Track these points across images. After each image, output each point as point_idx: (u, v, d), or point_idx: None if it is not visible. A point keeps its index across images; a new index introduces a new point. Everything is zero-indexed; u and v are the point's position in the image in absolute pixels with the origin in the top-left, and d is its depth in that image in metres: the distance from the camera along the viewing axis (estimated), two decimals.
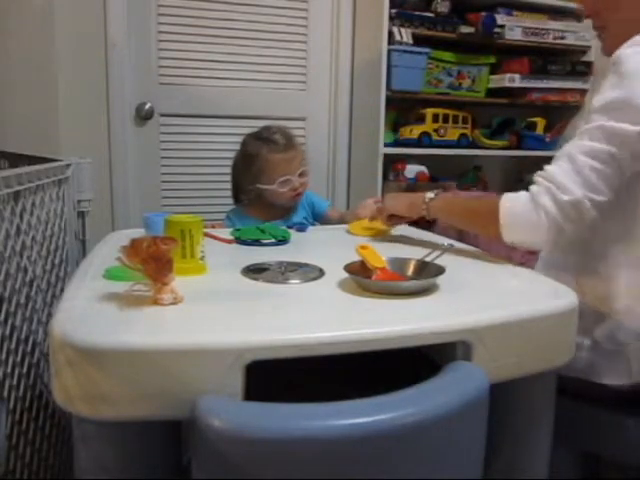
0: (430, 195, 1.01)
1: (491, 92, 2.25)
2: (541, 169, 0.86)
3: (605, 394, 0.87)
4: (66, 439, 1.15)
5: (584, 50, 2.23)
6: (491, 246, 1.03)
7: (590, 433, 0.93)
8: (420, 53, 2.05)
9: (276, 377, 0.66)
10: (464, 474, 0.62)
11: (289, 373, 0.68)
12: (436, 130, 2.14)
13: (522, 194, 0.86)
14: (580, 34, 2.18)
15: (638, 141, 0.80)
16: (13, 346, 0.92)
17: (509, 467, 0.76)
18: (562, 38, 2.16)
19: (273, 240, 1.05)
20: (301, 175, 1.41)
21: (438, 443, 0.59)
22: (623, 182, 0.83)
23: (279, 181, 1.38)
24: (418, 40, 2.07)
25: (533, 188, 0.85)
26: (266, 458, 0.53)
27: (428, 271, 0.79)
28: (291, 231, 1.14)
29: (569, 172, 0.82)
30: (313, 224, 1.46)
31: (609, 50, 0.91)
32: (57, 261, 1.20)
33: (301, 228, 1.22)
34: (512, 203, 0.86)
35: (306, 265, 0.87)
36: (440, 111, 2.15)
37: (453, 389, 0.60)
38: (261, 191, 1.42)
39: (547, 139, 2.21)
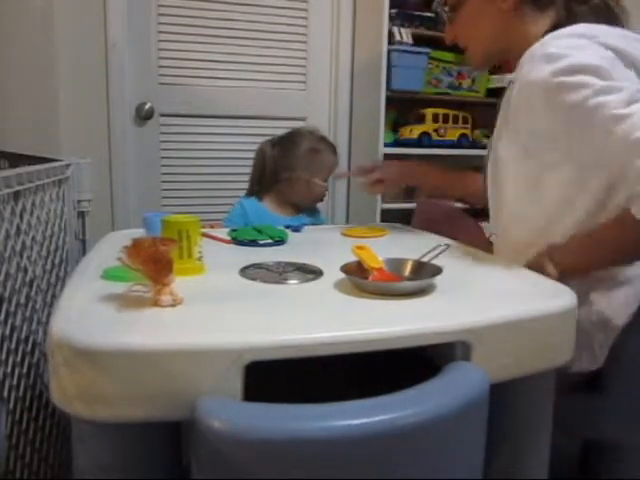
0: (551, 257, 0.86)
1: (491, 92, 2.25)
2: None
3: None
4: (66, 439, 1.15)
5: None
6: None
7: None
8: (420, 53, 2.06)
9: (276, 377, 0.66)
10: (464, 474, 0.62)
11: (289, 373, 0.68)
12: (436, 130, 2.15)
13: None
14: None
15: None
16: (13, 346, 0.92)
17: (509, 467, 0.76)
18: None
19: (270, 240, 1.05)
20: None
21: (438, 443, 0.59)
22: None
23: (331, 179, 1.56)
24: (418, 40, 2.07)
25: None
26: (266, 459, 0.53)
27: (425, 271, 0.79)
28: (288, 231, 1.14)
29: None
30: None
31: (476, 64, 1.05)
32: (57, 261, 1.20)
33: (297, 228, 1.21)
34: None
35: (304, 265, 0.87)
36: (440, 111, 2.16)
37: (453, 389, 0.60)
38: (294, 182, 1.50)
39: None
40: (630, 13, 0.94)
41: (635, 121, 0.73)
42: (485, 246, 1.06)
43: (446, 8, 1.00)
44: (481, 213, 1.12)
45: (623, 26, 0.92)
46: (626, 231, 0.79)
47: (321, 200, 1.56)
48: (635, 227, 0.76)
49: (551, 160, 0.87)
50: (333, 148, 1.56)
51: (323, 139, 1.57)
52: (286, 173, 1.50)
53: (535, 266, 0.87)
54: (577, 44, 0.83)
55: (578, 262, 0.87)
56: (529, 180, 0.91)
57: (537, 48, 0.85)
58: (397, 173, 1.30)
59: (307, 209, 1.57)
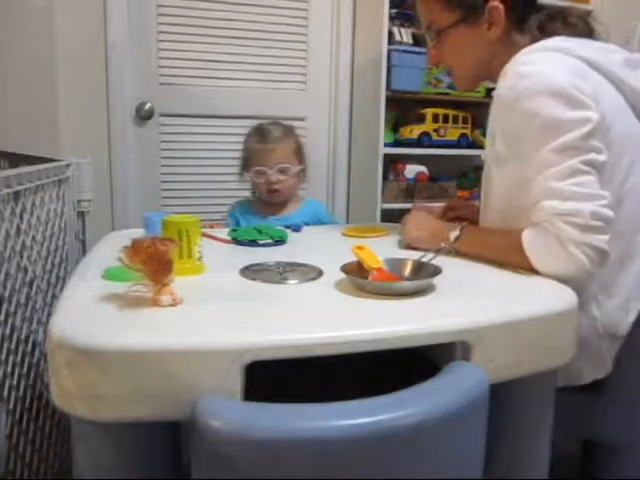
0: (455, 234, 0.95)
1: (491, 92, 2.25)
2: None
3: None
4: (66, 439, 1.15)
5: None
6: None
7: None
8: (420, 53, 2.05)
9: (276, 377, 0.66)
10: (464, 474, 0.62)
11: (289, 373, 0.68)
12: (436, 130, 2.15)
13: (542, 236, 0.81)
14: None
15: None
16: (13, 346, 0.92)
17: (509, 467, 0.76)
18: None
19: (270, 240, 1.05)
20: (282, 172, 1.40)
21: (438, 443, 0.59)
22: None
23: (253, 170, 1.41)
24: (418, 40, 2.07)
25: (549, 227, 0.80)
26: (266, 459, 0.53)
27: (425, 271, 0.79)
28: (288, 231, 1.14)
29: (566, 200, 0.79)
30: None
31: (462, 86, 1.05)
32: (57, 261, 1.20)
33: (296, 228, 1.21)
34: (536, 246, 0.82)
35: (304, 265, 0.87)
36: (440, 111, 2.16)
37: (453, 389, 0.61)
38: (249, 183, 1.46)
39: None
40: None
41: (557, 171, 0.80)
42: None
43: (430, 32, 0.99)
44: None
45: (603, 40, 0.95)
46: (512, 250, 0.85)
47: (273, 191, 1.40)
48: (519, 249, 0.83)
49: (514, 168, 0.90)
50: (262, 133, 1.42)
51: (255, 128, 1.46)
52: (240, 173, 1.48)
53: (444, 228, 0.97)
54: (547, 58, 0.86)
55: (470, 250, 0.94)
56: (510, 185, 0.92)
57: (510, 65, 0.88)
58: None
59: (284, 206, 1.47)
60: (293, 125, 1.55)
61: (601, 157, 0.81)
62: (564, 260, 0.79)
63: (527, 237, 0.83)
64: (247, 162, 1.45)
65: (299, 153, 1.46)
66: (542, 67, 0.84)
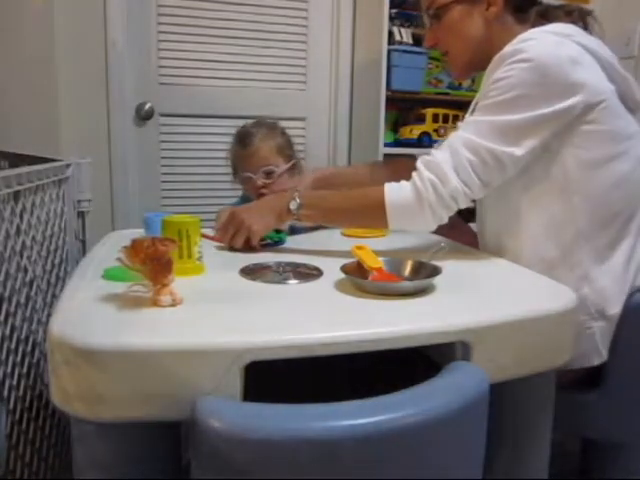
0: (294, 205, 0.97)
1: None
2: None
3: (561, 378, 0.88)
4: (66, 439, 1.15)
5: None
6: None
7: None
8: (420, 53, 2.05)
9: (276, 377, 0.66)
10: (464, 474, 0.62)
11: (289, 373, 0.68)
12: (436, 130, 2.15)
13: (406, 187, 0.90)
14: None
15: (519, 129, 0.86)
16: (13, 346, 0.92)
17: (509, 467, 0.76)
18: None
19: (270, 241, 1.05)
20: (267, 175, 1.33)
21: (438, 443, 0.58)
22: (507, 177, 0.90)
23: (239, 176, 1.38)
24: (418, 40, 2.07)
25: (417, 180, 0.89)
26: (266, 459, 0.53)
27: (425, 271, 0.79)
28: (287, 231, 1.14)
29: (450, 164, 0.87)
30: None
31: (456, 70, 1.06)
32: (57, 261, 1.20)
33: (296, 230, 1.21)
34: (398, 196, 0.90)
35: (304, 265, 0.87)
36: (440, 111, 2.16)
37: (453, 389, 0.60)
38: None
39: None
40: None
41: (470, 140, 0.87)
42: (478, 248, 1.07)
43: (430, 11, 1.00)
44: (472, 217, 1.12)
45: (598, 37, 0.98)
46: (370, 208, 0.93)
47: (261, 195, 1.30)
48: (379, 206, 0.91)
49: None
50: (241, 137, 1.37)
51: (236, 132, 1.40)
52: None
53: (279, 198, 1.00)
54: (546, 38, 0.88)
55: (313, 214, 0.99)
56: None
57: (507, 46, 0.91)
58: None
59: None
60: (277, 122, 1.46)
61: (518, 151, 0.86)
62: (416, 218, 0.90)
63: (390, 191, 0.90)
64: (234, 168, 1.41)
65: (285, 150, 1.39)
66: (539, 45, 0.87)
